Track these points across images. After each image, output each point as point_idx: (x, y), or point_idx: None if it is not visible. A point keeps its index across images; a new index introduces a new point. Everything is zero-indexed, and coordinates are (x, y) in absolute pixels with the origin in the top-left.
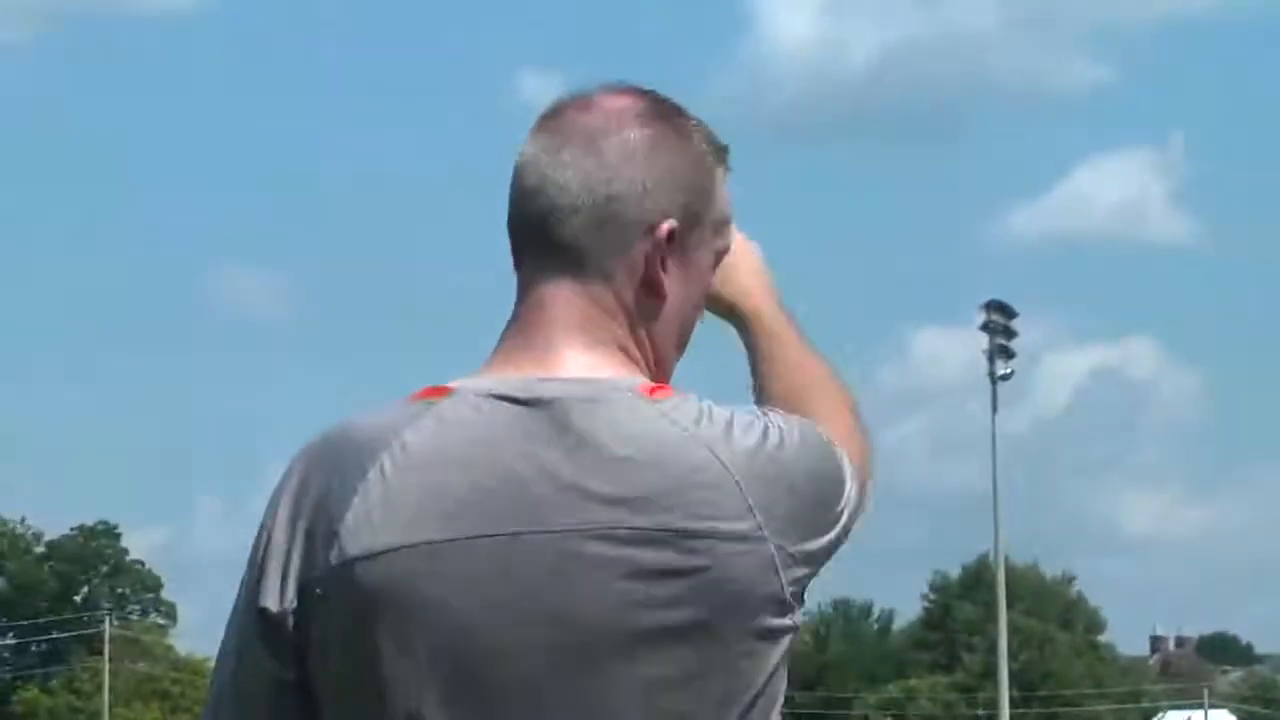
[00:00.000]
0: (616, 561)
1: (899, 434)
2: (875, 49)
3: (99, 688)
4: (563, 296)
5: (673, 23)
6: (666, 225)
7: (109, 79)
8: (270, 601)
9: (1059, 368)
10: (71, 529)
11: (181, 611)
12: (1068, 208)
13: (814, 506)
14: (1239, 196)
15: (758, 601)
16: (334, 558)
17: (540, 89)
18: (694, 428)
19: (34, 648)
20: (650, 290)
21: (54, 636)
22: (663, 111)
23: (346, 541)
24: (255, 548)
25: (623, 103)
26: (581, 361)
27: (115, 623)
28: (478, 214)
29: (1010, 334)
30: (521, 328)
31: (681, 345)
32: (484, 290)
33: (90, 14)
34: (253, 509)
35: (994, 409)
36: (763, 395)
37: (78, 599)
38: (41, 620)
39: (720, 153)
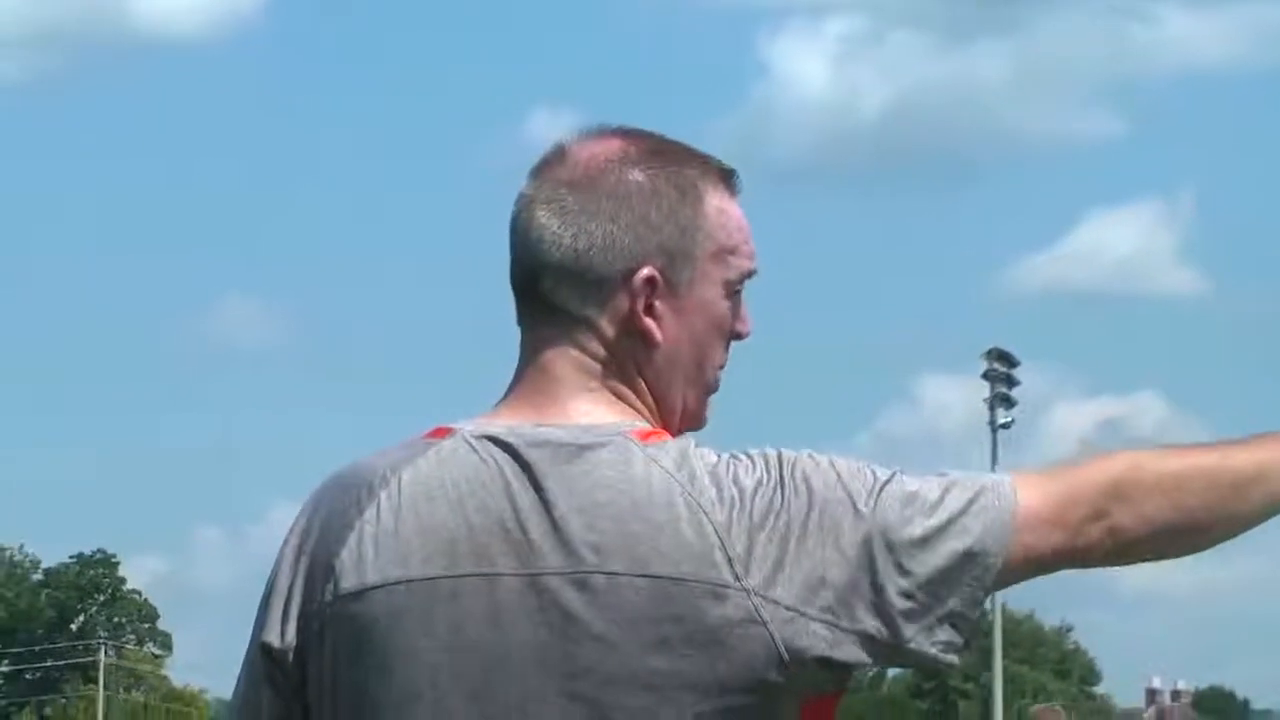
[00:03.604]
0: (595, 606)
1: None
2: (887, 98)
3: (93, 717)
4: (556, 351)
5: (686, 69)
6: (644, 272)
7: (113, 105)
8: (273, 638)
9: (1065, 419)
10: (69, 558)
11: (177, 642)
12: (1077, 259)
13: (830, 551)
14: (1248, 251)
15: (735, 655)
16: (329, 593)
17: (551, 128)
18: (681, 475)
19: (29, 675)
20: (640, 337)
21: (50, 664)
22: (642, 154)
23: (341, 577)
24: (265, 590)
25: (596, 151)
26: (583, 410)
27: (111, 652)
28: (484, 250)
29: (1012, 382)
30: (523, 379)
31: (701, 383)
32: (488, 325)
33: (94, 39)
34: (251, 541)
35: (994, 458)
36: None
37: (74, 627)
38: (37, 648)
39: (722, 177)
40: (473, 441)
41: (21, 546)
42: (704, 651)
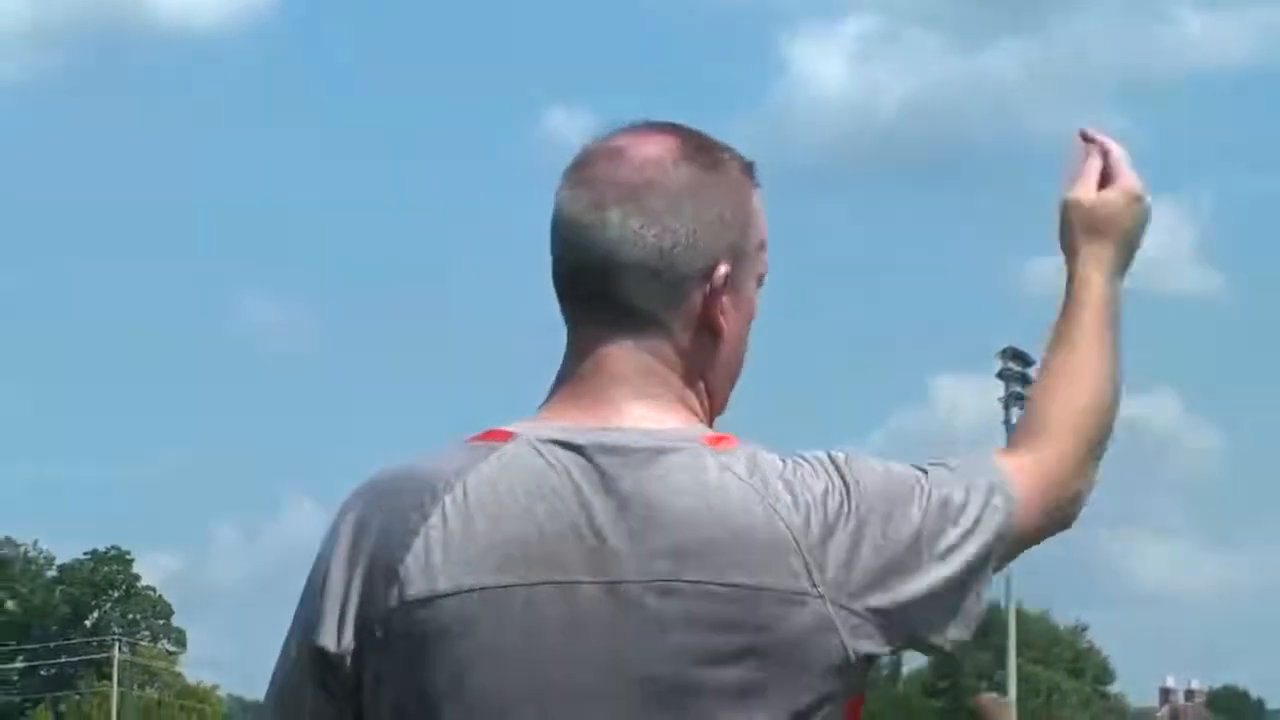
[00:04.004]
0: (674, 614)
1: None
2: (904, 97)
3: (107, 714)
4: (620, 353)
5: (703, 68)
6: (723, 269)
7: (131, 102)
8: (328, 642)
9: None
10: (84, 554)
11: (191, 639)
12: None
13: (890, 554)
14: (1264, 250)
15: (813, 662)
16: (393, 599)
17: (568, 124)
18: (755, 481)
19: (43, 671)
20: (709, 334)
21: (64, 660)
22: (694, 149)
23: (407, 583)
24: (310, 589)
25: (654, 149)
26: (641, 414)
27: (125, 649)
28: (505, 249)
29: (1027, 381)
30: (577, 382)
31: (735, 376)
32: (510, 326)
33: (108, 34)
34: (267, 539)
35: None
36: (1042, 360)
37: (88, 624)
38: (52, 644)
39: (751, 172)
40: (538, 445)
41: (36, 543)
42: (784, 660)
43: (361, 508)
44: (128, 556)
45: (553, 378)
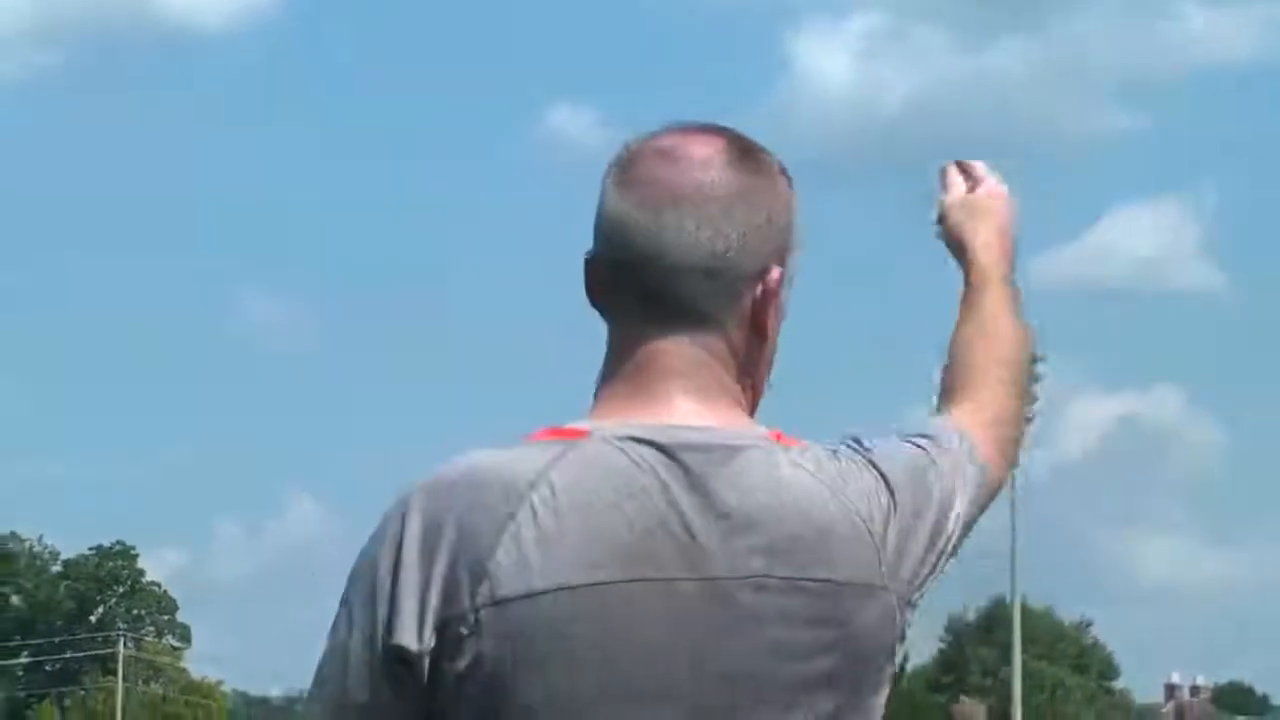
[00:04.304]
0: (768, 610)
1: None
2: (909, 94)
3: (112, 709)
4: (676, 349)
5: (708, 64)
6: (776, 272)
7: (131, 99)
8: (408, 640)
9: (1085, 414)
10: (89, 549)
11: (195, 634)
12: (1098, 255)
13: (924, 549)
14: (1269, 247)
15: (882, 651)
16: (483, 597)
17: (572, 123)
18: (825, 477)
19: (48, 667)
20: (757, 333)
21: (68, 656)
22: (740, 152)
23: (499, 581)
24: (373, 588)
25: (702, 150)
26: (698, 411)
27: (130, 644)
28: (507, 248)
29: (1033, 378)
30: (631, 378)
31: (769, 374)
32: (512, 321)
33: (112, 32)
34: (270, 536)
35: None
36: (953, 337)
37: (93, 619)
38: (57, 639)
39: (788, 175)
40: (617, 443)
41: (41, 538)
42: (862, 650)
43: (430, 505)
44: (132, 552)
45: (553, 376)
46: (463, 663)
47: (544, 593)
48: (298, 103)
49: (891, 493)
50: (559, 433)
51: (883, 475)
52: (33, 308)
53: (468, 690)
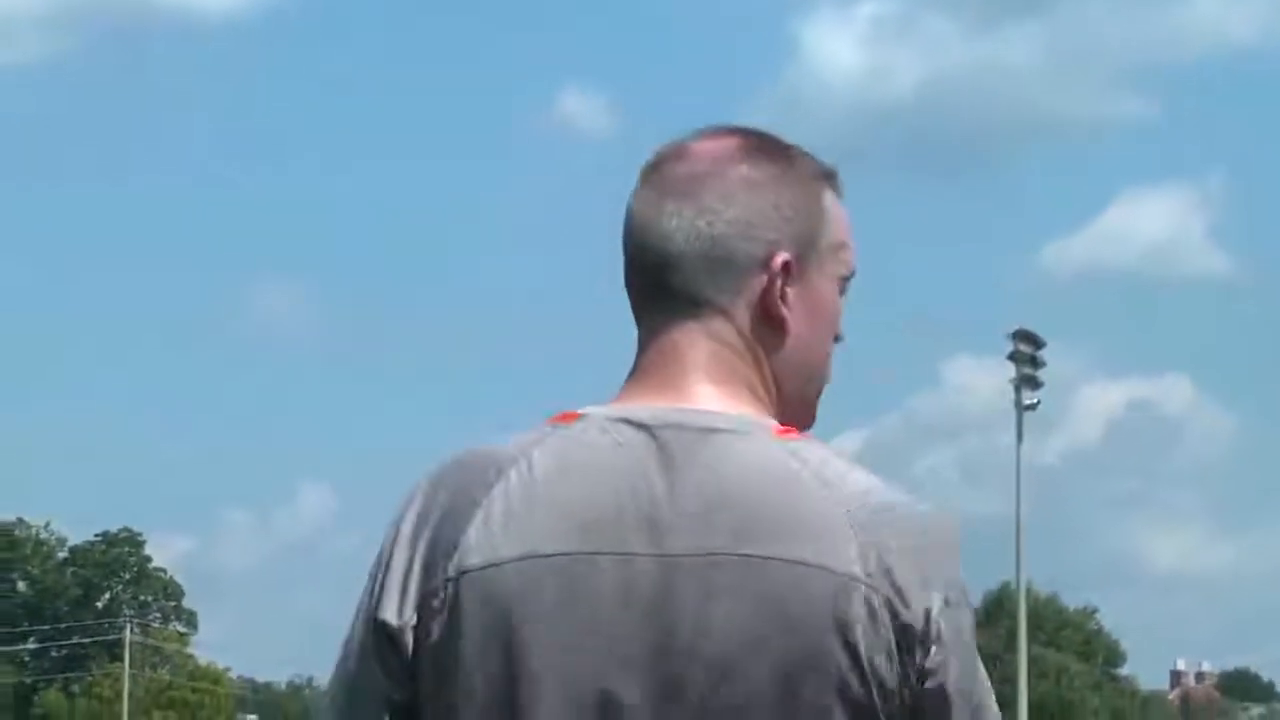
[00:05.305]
0: (727, 589)
1: (931, 462)
2: (918, 80)
3: (119, 694)
4: (687, 339)
5: (718, 49)
6: (781, 257)
7: (145, 88)
8: (390, 615)
9: (1093, 400)
10: (95, 535)
11: (202, 621)
12: (1107, 241)
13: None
14: (1277, 234)
15: (867, 645)
16: (453, 569)
17: (582, 106)
18: (818, 469)
19: (55, 652)
20: (772, 324)
21: (75, 642)
22: (756, 147)
23: (466, 553)
24: (374, 569)
25: (717, 145)
26: (714, 397)
27: (136, 630)
28: (516, 233)
29: (1038, 364)
30: (650, 370)
31: (815, 379)
32: (521, 308)
33: (121, 18)
34: (278, 524)
35: (1019, 438)
36: None
37: (100, 605)
38: (63, 625)
39: (828, 177)
40: (604, 423)
41: (48, 524)
42: (834, 638)
43: (428, 488)
44: (139, 538)
45: (554, 375)
46: (436, 634)
47: (506, 562)
48: (305, 93)
49: (911, 518)
50: (564, 417)
51: (903, 501)
52: (43, 294)
53: (444, 662)
